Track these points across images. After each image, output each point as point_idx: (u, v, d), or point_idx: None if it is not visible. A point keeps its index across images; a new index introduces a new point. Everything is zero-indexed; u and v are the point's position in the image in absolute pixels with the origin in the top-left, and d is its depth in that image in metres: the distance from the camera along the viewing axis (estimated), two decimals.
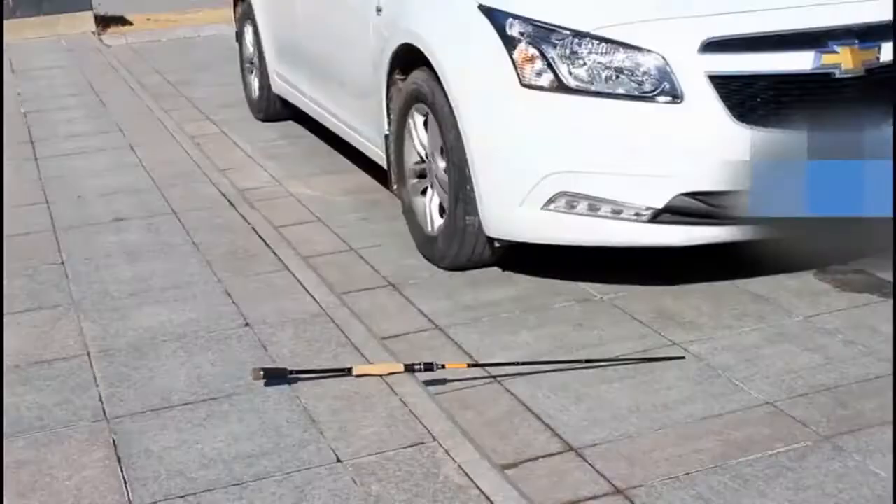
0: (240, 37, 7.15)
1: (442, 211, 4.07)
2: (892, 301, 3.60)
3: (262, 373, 3.10)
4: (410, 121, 4.18)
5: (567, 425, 2.94)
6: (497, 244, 3.85)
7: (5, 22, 10.73)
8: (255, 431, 2.87)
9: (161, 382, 3.19)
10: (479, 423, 2.97)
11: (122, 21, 12.13)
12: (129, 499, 2.59)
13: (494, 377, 3.23)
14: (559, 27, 3.50)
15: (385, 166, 4.54)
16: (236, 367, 3.26)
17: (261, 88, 6.76)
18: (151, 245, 4.45)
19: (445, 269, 4.05)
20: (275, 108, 6.67)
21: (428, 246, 4.18)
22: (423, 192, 4.24)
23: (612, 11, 3.55)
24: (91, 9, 11.61)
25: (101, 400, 3.10)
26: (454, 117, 3.76)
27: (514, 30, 3.56)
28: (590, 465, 2.74)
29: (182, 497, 2.58)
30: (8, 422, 2.99)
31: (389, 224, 4.74)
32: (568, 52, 3.48)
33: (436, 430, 2.81)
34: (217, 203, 4.99)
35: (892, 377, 3.10)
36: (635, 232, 3.50)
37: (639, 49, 3.43)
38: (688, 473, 2.67)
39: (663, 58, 3.42)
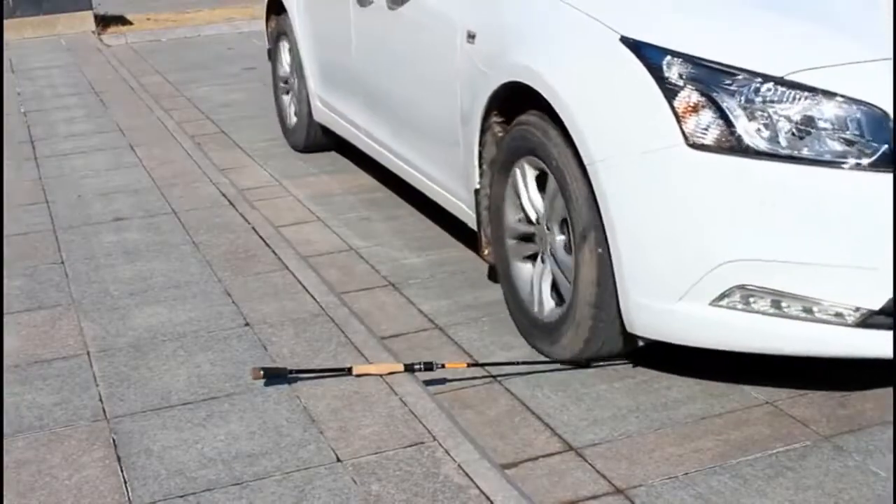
0: (273, 54, 6.26)
1: (556, 292, 3.29)
2: None
3: (261, 372, 3.10)
4: (516, 177, 3.37)
5: (567, 425, 2.94)
6: (640, 342, 3.04)
7: (5, 21, 10.73)
8: (255, 431, 2.87)
9: (161, 382, 3.19)
10: (479, 422, 2.97)
11: (122, 21, 12.14)
12: (129, 498, 2.59)
13: (494, 377, 3.23)
14: (739, 69, 2.72)
15: (474, 226, 3.71)
16: (236, 366, 3.26)
17: (299, 115, 5.87)
18: (151, 245, 4.45)
19: (563, 362, 3.24)
20: (315, 138, 5.83)
21: (538, 333, 3.34)
22: (529, 258, 3.45)
23: (808, 50, 2.77)
24: (91, 8, 11.61)
25: (100, 400, 3.10)
26: (588, 182, 2.94)
27: (674, 71, 2.78)
28: (590, 464, 2.74)
29: (182, 497, 2.58)
30: (8, 422, 2.99)
31: (389, 224, 4.75)
32: (752, 102, 2.69)
33: (436, 430, 2.81)
34: (217, 203, 4.99)
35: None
36: (834, 338, 2.70)
37: (852, 101, 2.64)
38: (688, 473, 2.67)
39: (885, 112, 2.63)
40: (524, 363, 3.27)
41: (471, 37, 3.55)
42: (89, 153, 6.14)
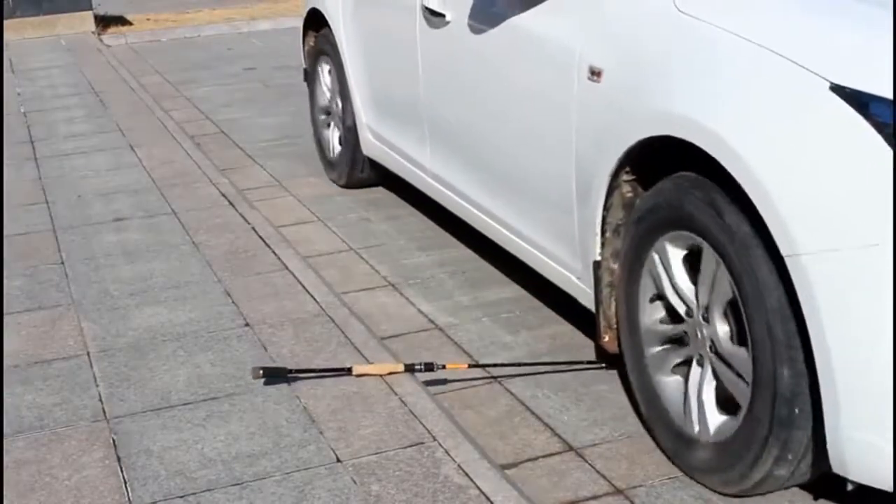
0: (310, 77, 5.53)
1: (725, 407, 2.57)
2: None
3: (261, 372, 3.10)
4: (656, 254, 2.68)
5: (567, 425, 2.94)
6: (849, 486, 2.27)
7: (5, 22, 10.73)
8: (254, 431, 2.87)
9: (161, 382, 3.19)
10: (479, 423, 2.97)
11: (122, 21, 12.14)
12: (128, 499, 2.59)
13: (494, 377, 3.23)
14: None
15: (588, 304, 3.06)
16: (236, 367, 3.26)
17: (344, 147, 5.12)
18: (151, 245, 4.45)
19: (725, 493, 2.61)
20: (361, 173, 5.11)
21: (701, 458, 2.61)
22: (677, 367, 2.74)
23: None
24: (91, 9, 11.61)
25: (101, 400, 3.10)
26: (776, 277, 2.27)
27: None
28: (590, 465, 2.74)
29: (182, 497, 2.58)
30: (8, 422, 2.99)
31: (389, 224, 4.75)
32: None
33: (436, 430, 2.81)
34: (217, 203, 4.99)
35: None
36: None
37: None
38: (688, 473, 2.67)
39: None
40: (525, 364, 3.27)
41: (594, 74, 2.81)
42: (89, 153, 6.14)
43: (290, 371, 3.14)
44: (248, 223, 4.66)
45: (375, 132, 4.70)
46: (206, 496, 2.58)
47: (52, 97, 7.98)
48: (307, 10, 5.38)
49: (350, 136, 4.99)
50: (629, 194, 2.81)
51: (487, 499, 2.50)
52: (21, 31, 11.14)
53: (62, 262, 4.30)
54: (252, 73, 8.92)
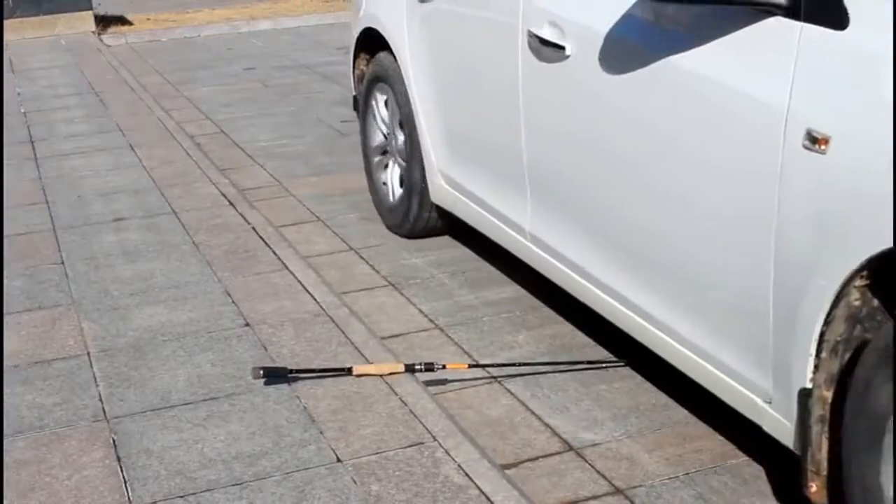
0: (362, 107, 4.74)
1: None
2: None
3: (261, 372, 3.10)
4: None
5: (567, 425, 2.94)
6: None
7: (5, 22, 10.73)
8: (255, 431, 2.87)
9: (161, 382, 3.19)
10: (479, 423, 2.97)
11: (122, 21, 12.14)
12: (129, 499, 2.59)
13: (494, 377, 3.23)
14: None
15: (785, 440, 2.37)
16: (236, 367, 3.26)
17: (407, 191, 4.33)
18: (151, 245, 4.45)
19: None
20: (428, 222, 4.35)
21: None
22: None
23: None
24: (91, 9, 11.61)
25: (101, 400, 3.10)
26: None
27: None
28: (590, 465, 2.74)
29: (182, 497, 2.58)
30: (8, 422, 2.99)
31: None
32: None
33: (436, 430, 2.81)
34: (217, 203, 4.99)
35: None
36: None
37: None
38: (688, 473, 2.67)
39: None
40: (525, 364, 3.27)
41: (815, 141, 2.11)
42: (89, 153, 6.14)
43: (290, 371, 3.14)
44: (248, 223, 4.66)
45: (450, 178, 3.95)
46: (206, 496, 2.58)
47: (52, 97, 7.98)
48: (359, 29, 4.56)
49: (416, 179, 4.21)
50: (857, 303, 2.13)
51: (487, 499, 2.50)
52: (21, 31, 11.14)
53: (62, 262, 4.30)
54: (252, 73, 8.92)
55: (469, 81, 3.71)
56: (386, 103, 4.47)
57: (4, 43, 10.28)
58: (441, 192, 4.07)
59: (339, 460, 2.70)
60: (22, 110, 7.49)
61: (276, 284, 3.93)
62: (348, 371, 3.13)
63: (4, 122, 6.87)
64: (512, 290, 3.90)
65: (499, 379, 3.22)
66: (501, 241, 3.65)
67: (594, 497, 2.60)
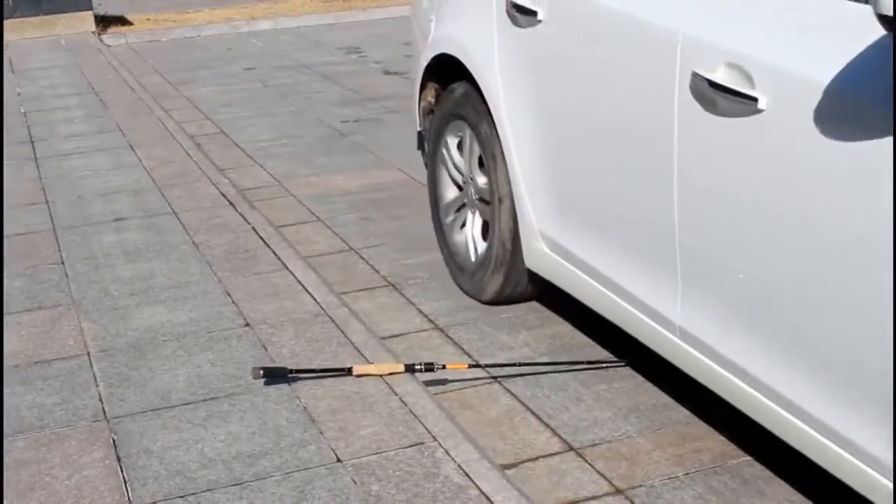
0: (430, 146, 3.97)
1: None
2: None
3: (261, 372, 3.10)
4: None
5: (567, 425, 2.94)
6: None
7: (5, 22, 10.73)
8: (255, 431, 2.87)
9: (161, 382, 3.19)
10: (479, 423, 2.97)
11: (122, 21, 12.14)
12: (129, 499, 2.59)
13: (494, 377, 3.23)
14: None
15: None
16: (236, 367, 3.26)
17: (493, 251, 3.58)
18: (151, 245, 4.45)
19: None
20: (516, 288, 3.63)
21: None
22: None
23: None
24: (91, 9, 11.62)
25: (101, 400, 3.10)
26: None
27: None
28: (590, 465, 2.74)
29: (182, 497, 2.58)
30: (8, 422, 2.99)
31: (389, 224, 4.74)
32: None
33: (436, 430, 2.81)
34: (217, 203, 4.99)
35: None
36: None
37: None
38: (688, 473, 2.67)
39: None
40: (526, 364, 3.27)
41: None
42: (89, 153, 6.14)
43: (290, 371, 3.14)
44: (248, 223, 4.66)
45: (556, 243, 3.24)
46: (206, 496, 2.58)
47: (52, 97, 7.98)
48: (430, 55, 3.80)
49: (504, 239, 3.49)
50: None
51: (487, 499, 2.50)
52: (21, 31, 11.14)
53: (62, 262, 4.30)
54: (252, 73, 8.92)
55: (593, 129, 2.92)
56: (459, 144, 3.76)
57: (4, 43, 10.28)
58: (541, 258, 3.35)
59: (339, 460, 2.70)
60: (22, 110, 7.49)
61: (276, 284, 3.92)
62: (348, 371, 3.13)
63: (4, 122, 6.87)
64: None
65: (499, 379, 3.22)
66: (636, 332, 2.89)
67: (594, 497, 2.60)
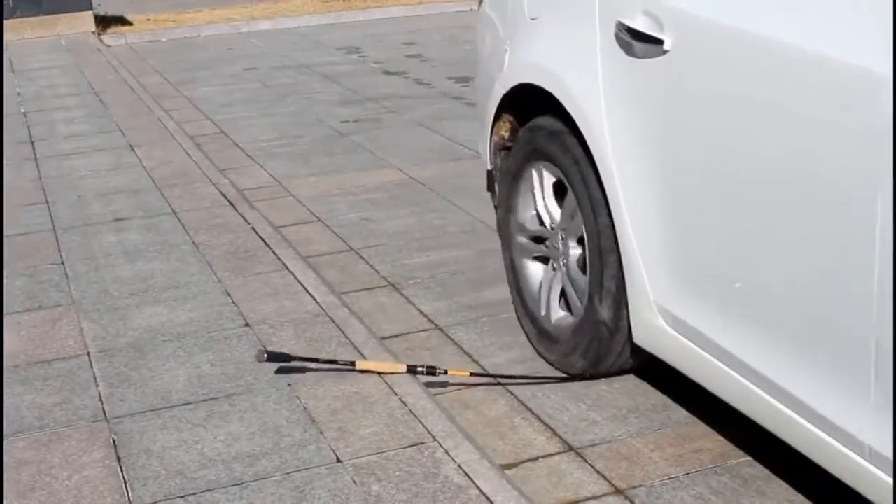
0: (504, 188, 3.43)
1: None
2: None
3: (265, 355, 3.11)
4: None
5: (567, 425, 2.94)
6: None
7: (5, 22, 10.74)
8: (255, 431, 2.87)
9: (161, 382, 3.19)
10: (479, 423, 2.97)
11: (122, 21, 12.14)
12: (128, 499, 2.59)
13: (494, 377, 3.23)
14: None
15: None
16: (236, 367, 3.26)
17: (591, 320, 3.00)
18: (151, 245, 4.45)
19: None
20: (616, 362, 3.05)
21: None
22: None
23: None
24: (91, 9, 11.62)
25: (101, 400, 3.10)
26: None
27: None
28: (590, 465, 2.74)
29: (182, 497, 2.58)
30: (8, 422, 2.99)
31: (389, 224, 4.74)
32: None
33: (436, 431, 2.81)
34: (217, 203, 4.99)
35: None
36: None
37: None
38: (688, 473, 2.67)
39: None
40: (527, 377, 3.27)
41: None
42: (89, 153, 6.14)
43: (294, 357, 3.14)
44: (248, 223, 4.66)
45: (679, 319, 2.64)
46: (206, 496, 2.58)
47: (52, 97, 7.98)
48: (507, 85, 3.27)
49: (607, 308, 2.93)
50: None
51: (487, 499, 2.50)
52: (21, 31, 11.15)
53: (62, 262, 4.30)
54: (252, 73, 8.92)
55: (750, 181, 2.33)
56: (538, 189, 3.24)
57: (4, 43, 10.29)
58: (657, 336, 2.76)
59: (339, 460, 2.70)
60: (22, 110, 7.49)
61: (276, 284, 3.93)
62: (352, 364, 3.14)
63: (4, 122, 6.87)
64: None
65: (499, 379, 3.22)
66: (803, 447, 2.29)
67: (594, 497, 2.60)
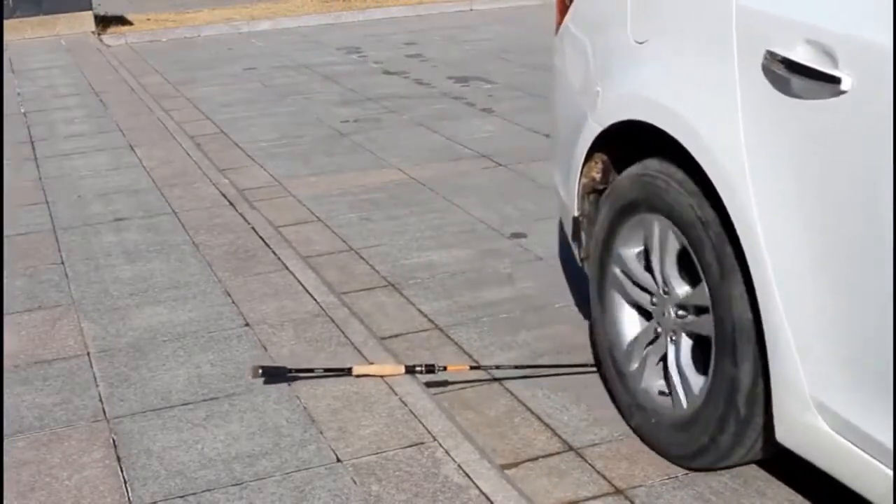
0: (595, 248, 2.95)
1: None
2: None
3: (260, 371, 3.10)
4: None
5: (567, 425, 2.94)
6: None
7: (5, 22, 10.73)
8: (255, 431, 2.87)
9: (161, 382, 3.19)
10: (479, 423, 2.97)
11: (122, 21, 12.14)
12: (128, 499, 2.59)
13: (495, 378, 3.23)
14: None
15: None
16: (236, 367, 3.26)
17: (725, 414, 2.47)
18: (151, 245, 4.45)
19: None
20: (747, 454, 2.53)
21: None
22: None
23: None
24: (91, 9, 11.61)
25: (101, 400, 3.10)
26: None
27: None
28: (590, 465, 2.74)
29: (182, 497, 2.58)
30: (8, 422, 2.99)
31: (389, 224, 4.74)
32: None
33: (436, 430, 2.81)
34: (217, 203, 4.99)
35: None
36: None
37: None
38: (688, 473, 2.67)
39: None
40: (527, 367, 3.27)
41: None
42: (89, 153, 6.14)
43: (290, 370, 3.14)
44: (248, 223, 4.66)
45: (845, 421, 2.14)
46: (206, 496, 2.58)
47: (52, 97, 7.98)
48: (606, 121, 2.77)
49: (740, 396, 2.42)
50: None
51: (487, 499, 2.50)
52: (21, 31, 11.14)
53: (62, 262, 4.30)
54: (252, 73, 8.91)
55: None
56: (644, 248, 2.74)
57: (4, 43, 10.28)
58: (811, 437, 2.25)
59: (339, 460, 2.70)
60: (22, 110, 7.49)
61: (276, 284, 3.93)
62: (348, 371, 3.13)
63: (4, 122, 6.87)
64: (512, 290, 3.90)
65: (499, 379, 3.22)
66: None
67: (594, 497, 2.60)
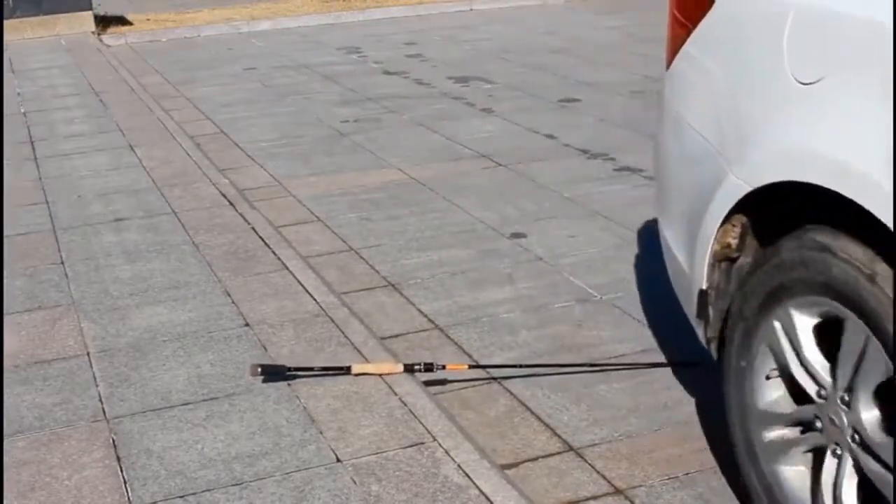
0: (734, 335, 2.34)
1: None
2: None
3: (259, 369, 3.10)
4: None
5: (567, 425, 2.94)
6: None
7: (5, 22, 10.73)
8: (254, 431, 2.87)
9: (161, 382, 3.19)
10: (478, 423, 2.97)
11: (122, 21, 12.14)
12: (128, 499, 2.59)
13: (494, 377, 3.23)
14: None
15: None
16: (236, 367, 3.26)
17: None
18: (151, 245, 4.45)
19: None
20: None
21: None
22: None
23: None
24: (91, 9, 11.61)
25: (101, 400, 3.10)
26: None
27: None
28: (590, 465, 2.74)
29: (182, 497, 2.58)
30: (8, 422, 2.99)
31: (389, 224, 4.74)
32: None
33: (436, 430, 2.81)
34: (217, 203, 4.99)
35: None
36: None
37: None
38: (688, 473, 2.67)
39: None
40: (525, 366, 3.27)
41: None
42: (89, 153, 6.13)
43: (289, 369, 3.14)
44: (248, 223, 4.66)
45: None
46: (206, 496, 2.58)
47: (52, 97, 7.97)
48: (756, 181, 2.16)
49: None
50: None
51: (487, 499, 2.50)
52: (21, 31, 11.14)
53: (62, 262, 4.29)
54: (252, 73, 8.91)
55: None
56: (787, 338, 2.17)
57: (4, 43, 10.28)
58: None
59: (338, 460, 2.70)
60: (22, 110, 7.49)
61: (276, 284, 3.92)
62: (347, 370, 3.13)
63: (4, 122, 6.87)
64: (512, 290, 3.90)
65: (499, 379, 3.22)
66: None
67: (594, 497, 2.60)
